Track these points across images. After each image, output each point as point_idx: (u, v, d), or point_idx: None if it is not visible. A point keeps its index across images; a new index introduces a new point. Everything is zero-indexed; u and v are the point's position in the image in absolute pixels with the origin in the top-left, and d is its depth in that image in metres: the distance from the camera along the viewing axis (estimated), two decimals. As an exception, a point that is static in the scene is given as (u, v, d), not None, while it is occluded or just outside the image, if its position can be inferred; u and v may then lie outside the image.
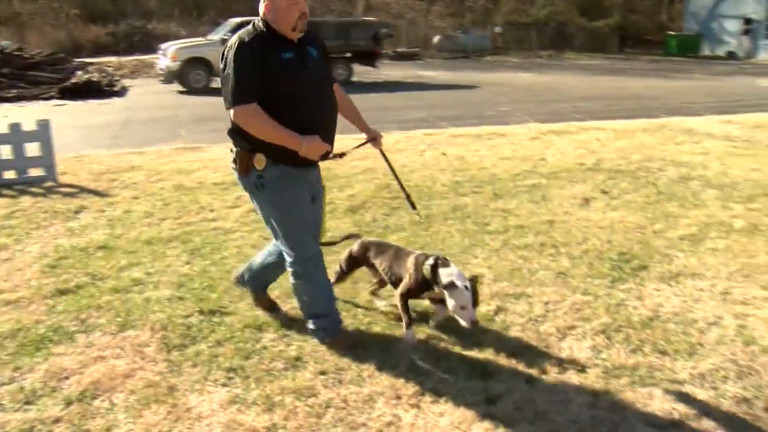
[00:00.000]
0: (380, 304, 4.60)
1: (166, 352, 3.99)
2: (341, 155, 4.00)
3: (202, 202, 7.23)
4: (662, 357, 3.93)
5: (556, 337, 4.15)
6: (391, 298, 4.49)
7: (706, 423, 3.34)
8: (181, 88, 19.86)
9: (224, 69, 3.65)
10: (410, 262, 4.14)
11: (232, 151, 3.90)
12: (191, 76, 19.70)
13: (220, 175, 8.45)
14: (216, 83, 18.93)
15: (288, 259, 3.98)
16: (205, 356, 3.93)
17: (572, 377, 3.72)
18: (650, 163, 9.07)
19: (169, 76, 20.07)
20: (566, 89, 20.61)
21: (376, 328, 4.27)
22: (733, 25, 40.10)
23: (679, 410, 3.42)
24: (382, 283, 4.56)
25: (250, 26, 3.75)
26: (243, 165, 3.81)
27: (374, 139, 4.28)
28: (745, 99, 17.85)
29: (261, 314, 4.42)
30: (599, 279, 5.00)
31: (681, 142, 10.81)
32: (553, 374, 3.74)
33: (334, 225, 6.13)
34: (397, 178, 4.37)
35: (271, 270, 4.38)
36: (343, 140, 4.26)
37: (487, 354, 3.96)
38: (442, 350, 4.00)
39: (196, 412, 3.41)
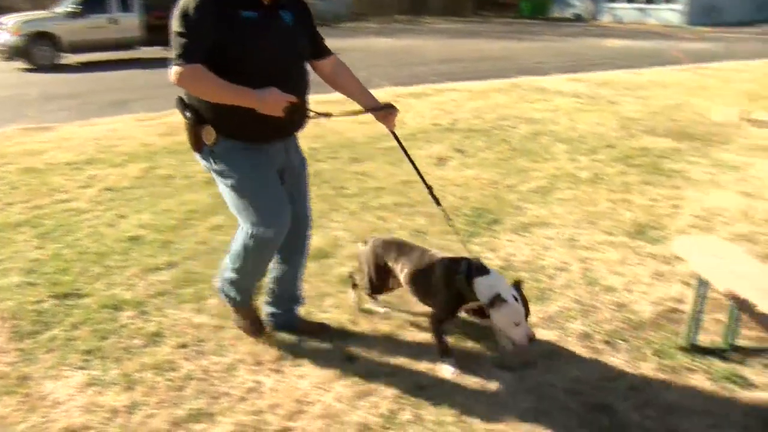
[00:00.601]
0: (380, 309, 4.07)
1: (17, 341, 3.80)
2: (327, 115, 3.41)
3: (54, 184, 6.91)
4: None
5: (413, 292, 4.26)
6: (395, 303, 4.14)
7: (555, 361, 3.55)
8: (26, 66, 18.82)
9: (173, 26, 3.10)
10: (439, 273, 3.50)
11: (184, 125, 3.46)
12: (36, 52, 18.64)
13: (72, 155, 8.09)
14: (66, 59, 18.07)
15: (241, 229, 3.47)
16: (60, 341, 3.78)
17: (417, 334, 3.83)
18: (504, 122, 9.37)
19: (12, 53, 18.89)
20: (424, 53, 20.87)
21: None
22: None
23: (531, 352, 3.60)
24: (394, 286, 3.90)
25: None
26: (192, 139, 3.36)
27: (386, 113, 3.59)
28: (590, 58, 18.66)
29: (118, 293, 4.30)
30: (455, 235, 5.15)
31: (533, 100, 11.22)
32: (410, 329, 3.84)
33: (190, 198, 6.03)
34: (414, 166, 3.77)
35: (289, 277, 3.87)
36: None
37: (346, 314, 4.02)
38: (303, 315, 4.02)
39: (52, 399, 3.28)
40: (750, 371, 3.51)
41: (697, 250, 3.74)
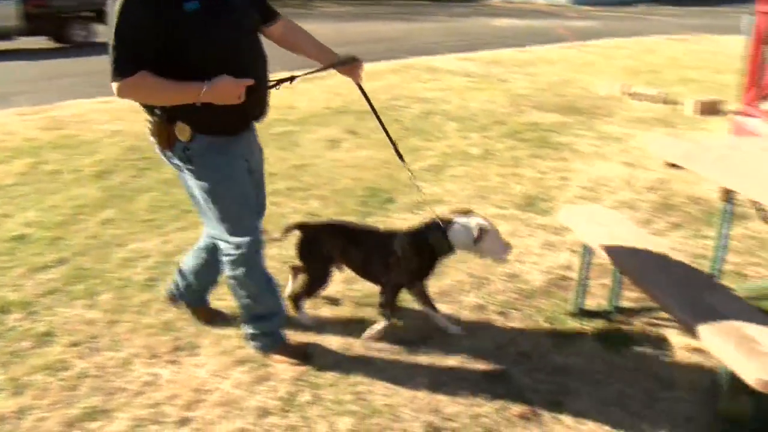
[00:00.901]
0: (305, 318, 3.78)
1: None
2: (290, 79, 3.24)
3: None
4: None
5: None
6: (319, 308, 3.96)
7: (451, 333, 3.62)
8: None
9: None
10: (407, 245, 3.47)
11: (148, 121, 3.12)
12: None
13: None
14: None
15: (224, 246, 3.26)
16: (-59, 351, 3.61)
17: (325, 311, 3.85)
18: (397, 102, 9.43)
19: None
20: (316, 37, 20.70)
21: (130, 290, 4.15)
22: (468, -32, 42.21)
23: (426, 327, 3.67)
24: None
25: None
26: (164, 138, 3.06)
27: (351, 66, 3.40)
28: (481, 38, 18.95)
29: (4, 295, 4.10)
30: (348, 215, 5.17)
31: (425, 80, 11.32)
32: (308, 310, 3.83)
33: (79, 193, 5.83)
34: (381, 123, 3.69)
35: (205, 272, 3.69)
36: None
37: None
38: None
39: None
40: (633, 329, 3.69)
41: (581, 219, 3.87)
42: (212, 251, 3.48)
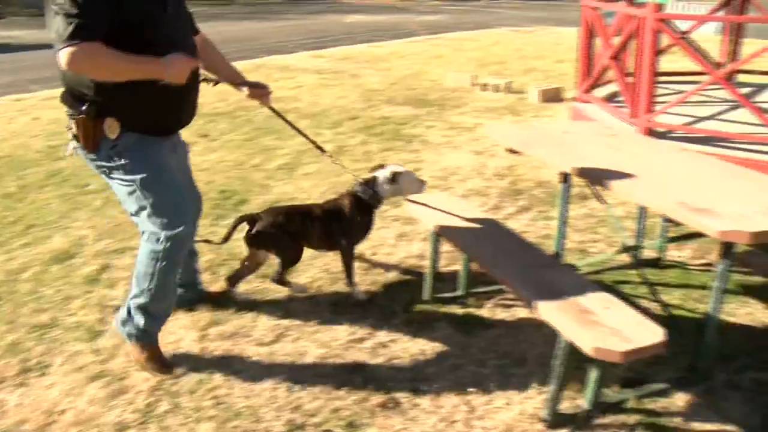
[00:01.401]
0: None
1: None
2: (215, 81, 3.36)
3: None
4: (264, 280, 4.14)
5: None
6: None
7: (307, 329, 3.64)
8: None
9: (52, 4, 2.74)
10: (349, 208, 3.88)
11: (71, 121, 3.01)
12: None
13: None
14: None
15: (152, 242, 3.14)
16: None
17: (180, 316, 3.77)
18: (248, 103, 9.26)
19: None
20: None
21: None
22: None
23: (283, 324, 3.67)
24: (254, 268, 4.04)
25: None
26: (89, 136, 2.96)
27: (261, 91, 3.59)
28: (333, 35, 19.06)
29: None
30: (202, 220, 5.06)
31: (277, 79, 11.26)
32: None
33: None
34: (297, 130, 4.01)
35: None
36: None
37: (94, 314, 3.85)
38: (47, 321, 3.80)
39: None
40: (485, 311, 3.82)
41: (429, 208, 3.96)
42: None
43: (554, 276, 3.03)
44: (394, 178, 3.82)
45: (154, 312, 3.30)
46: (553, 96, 9.59)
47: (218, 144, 7.21)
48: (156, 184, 3.08)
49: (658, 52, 6.32)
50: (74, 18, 2.68)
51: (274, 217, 3.83)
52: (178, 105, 3.08)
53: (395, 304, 3.90)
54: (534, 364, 3.32)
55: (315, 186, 5.82)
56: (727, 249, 2.98)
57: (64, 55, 2.71)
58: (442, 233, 3.68)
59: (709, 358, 3.22)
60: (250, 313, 3.80)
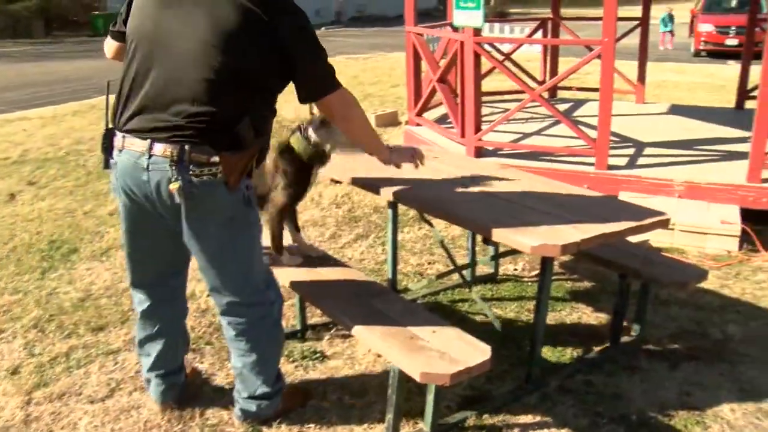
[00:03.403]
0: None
1: None
2: None
3: None
4: (97, 333, 3.97)
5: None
6: None
7: (140, 379, 3.49)
8: None
9: None
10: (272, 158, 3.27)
11: (207, 160, 2.52)
12: None
13: None
14: None
15: (248, 305, 2.84)
16: None
17: (4, 382, 3.53)
18: (80, 146, 8.96)
19: None
20: (-8, 82, 19.21)
21: None
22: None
23: (116, 378, 3.51)
24: None
25: None
26: (238, 171, 2.57)
27: None
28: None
29: None
30: (29, 274, 4.82)
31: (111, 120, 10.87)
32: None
33: None
34: None
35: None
36: None
37: None
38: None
39: None
40: (324, 344, 3.82)
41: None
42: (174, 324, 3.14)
43: (383, 304, 3.05)
44: (323, 121, 3.22)
45: (271, 376, 3.06)
46: (389, 120, 9.77)
47: (47, 191, 6.86)
48: (259, 239, 2.86)
49: (485, 73, 6.59)
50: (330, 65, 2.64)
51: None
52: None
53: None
54: (374, 395, 3.33)
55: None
56: (545, 262, 3.11)
57: (338, 101, 2.68)
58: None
59: (540, 367, 3.35)
60: (81, 368, 3.62)
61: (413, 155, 3.15)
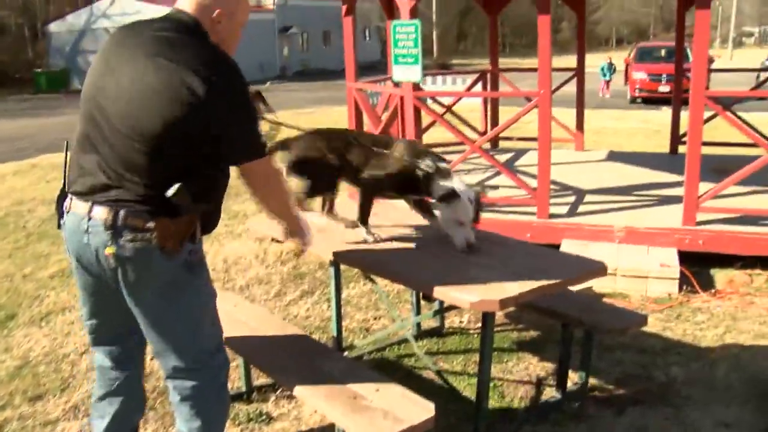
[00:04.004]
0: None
1: None
2: None
3: None
4: (34, 403, 3.85)
5: None
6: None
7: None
8: None
9: None
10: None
11: (142, 225, 2.45)
12: None
13: None
14: None
15: (212, 373, 2.72)
16: None
17: None
18: (20, 207, 8.80)
19: None
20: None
21: None
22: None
23: None
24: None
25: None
26: (180, 235, 2.49)
27: None
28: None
29: None
30: (-36, 342, 4.68)
31: (52, 179, 10.69)
32: None
33: None
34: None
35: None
36: None
37: None
38: None
39: None
40: (269, 405, 3.76)
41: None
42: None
43: (326, 363, 3.03)
44: (446, 196, 3.30)
45: None
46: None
47: (-16, 255, 6.71)
48: (212, 309, 2.74)
49: (427, 126, 6.68)
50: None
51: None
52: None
53: (163, 407, 3.73)
54: (322, 454, 3.29)
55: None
56: (486, 317, 3.12)
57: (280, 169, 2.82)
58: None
59: (485, 420, 3.34)
60: None
61: (305, 243, 3.04)
